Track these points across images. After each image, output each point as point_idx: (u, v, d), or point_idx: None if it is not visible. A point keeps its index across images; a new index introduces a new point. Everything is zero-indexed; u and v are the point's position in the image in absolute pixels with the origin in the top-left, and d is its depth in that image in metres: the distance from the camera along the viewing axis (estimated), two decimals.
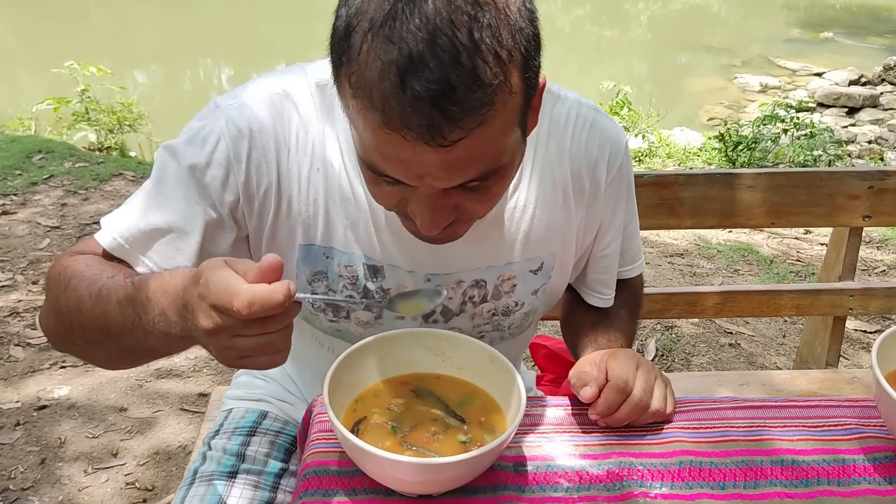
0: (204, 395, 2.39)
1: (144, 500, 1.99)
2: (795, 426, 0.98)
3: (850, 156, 7.43)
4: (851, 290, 1.71)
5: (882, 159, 7.48)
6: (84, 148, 5.33)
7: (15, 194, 3.91)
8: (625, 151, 1.10)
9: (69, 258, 0.95)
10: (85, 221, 3.64)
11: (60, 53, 6.98)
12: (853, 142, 8.02)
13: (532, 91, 0.81)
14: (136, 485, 2.04)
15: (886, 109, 8.94)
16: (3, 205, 3.78)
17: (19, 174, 4.21)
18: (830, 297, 1.72)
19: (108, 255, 0.96)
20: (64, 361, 2.55)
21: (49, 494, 1.99)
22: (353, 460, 0.85)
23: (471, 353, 0.96)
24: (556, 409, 1.01)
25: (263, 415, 1.25)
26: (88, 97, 6.00)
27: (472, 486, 0.87)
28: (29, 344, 2.65)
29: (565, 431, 0.98)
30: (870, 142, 8.08)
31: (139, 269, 0.95)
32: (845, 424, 0.99)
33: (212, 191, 0.95)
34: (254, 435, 1.21)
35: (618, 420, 0.95)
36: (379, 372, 0.96)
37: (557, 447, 0.95)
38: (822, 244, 3.95)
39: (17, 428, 2.22)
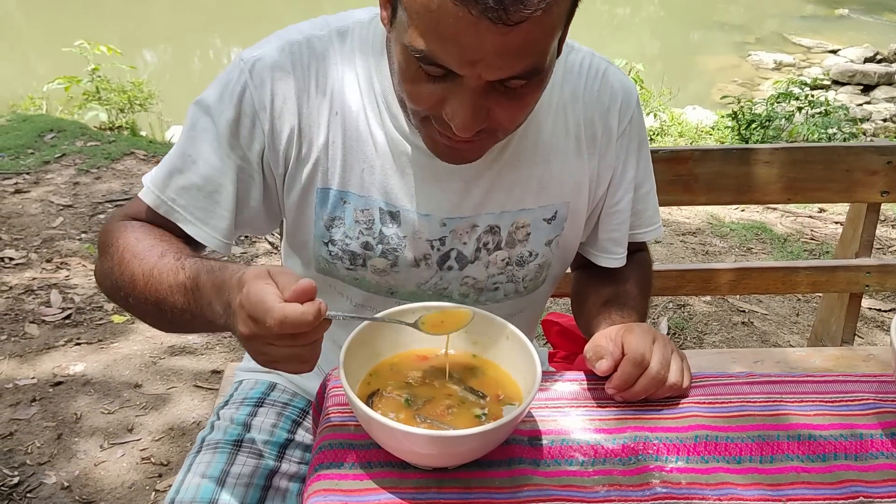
0: (217, 372, 2.40)
1: (160, 475, 2.01)
2: (812, 401, 0.98)
3: (864, 134, 7.35)
4: (868, 267, 1.69)
5: None
6: (95, 127, 5.33)
7: (28, 173, 3.92)
8: (636, 105, 1.11)
9: (121, 225, 1.03)
10: (97, 200, 3.65)
11: (70, 33, 6.97)
12: (868, 119, 7.93)
13: (573, 9, 0.86)
14: (152, 460, 2.06)
15: None
16: (16, 183, 3.79)
17: (31, 153, 4.22)
18: (847, 274, 1.70)
19: (152, 214, 1.04)
20: (79, 339, 2.57)
21: (65, 469, 2.02)
22: (367, 433, 0.86)
23: (487, 327, 0.96)
24: (571, 384, 1.01)
25: (272, 386, 1.26)
26: (99, 76, 6.00)
27: (488, 460, 0.87)
28: (44, 321, 2.67)
29: (580, 406, 0.97)
30: (885, 120, 8.00)
31: (182, 225, 1.02)
32: (862, 400, 0.98)
33: (242, 141, 1.01)
34: (261, 406, 1.22)
35: (635, 394, 0.95)
36: (393, 346, 0.96)
37: (572, 421, 0.95)
38: (836, 222, 3.92)
39: (33, 404, 2.24)
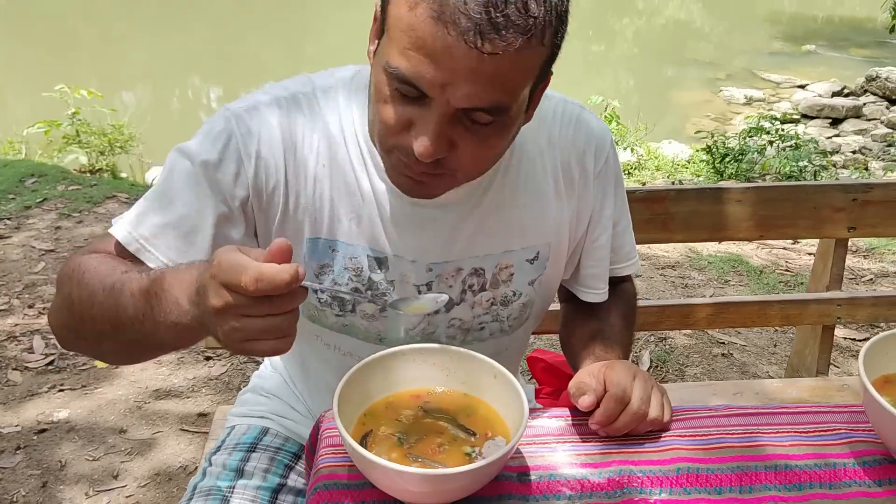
0: (203, 415, 2.40)
1: None
2: (787, 432, 1.02)
3: (834, 166, 7.50)
4: (839, 300, 1.75)
5: (867, 169, 7.56)
6: (75, 170, 5.34)
7: (9, 218, 3.92)
8: (611, 146, 1.16)
9: (83, 256, 0.98)
10: (80, 244, 3.65)
11: (50, 77, 7.00)
12: (838, 152, 8.11)
13: (551, 61, 0.89)
14: None
15: (869, 119, 9.06)
16: None
17: (12, 198, 4.22)
18: (818, 307, 1.76)
19: (120, 252, 1.00)
20: (62, 385, 2.56)
21: None
22: (362, 472, 0.88)
23: (475, 367, 0.99)
24: (557, 420, 1.04)
25: (265, 431, 1.28)
26: (79, 120, 6.02)
27: (478, 496, 0.90)
28: (27, 368, 2.66)
29: (566, 441, 1.01)
30: (854, 152, 8.17)
31: (152, 264, 0.98)
32: (835, 430, 1.02)
33: (223, 186, 1.00)
34: (254, 451, 1.24)
35: (617, 429, 0.98)
36: (385, 387, 0.99)
37: (559, 456, 0.98)
38: (809, 254, 4.01)
39: (17, 452, 2.22)
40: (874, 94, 9.53)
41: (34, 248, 3.60)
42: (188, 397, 2.52)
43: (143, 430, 2.34)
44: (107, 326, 0.90)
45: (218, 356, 2.80)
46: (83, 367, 2.68)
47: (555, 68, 0.95)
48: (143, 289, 0.84)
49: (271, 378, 1.36)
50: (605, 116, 6.15)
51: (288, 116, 1.03)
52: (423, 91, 0.85)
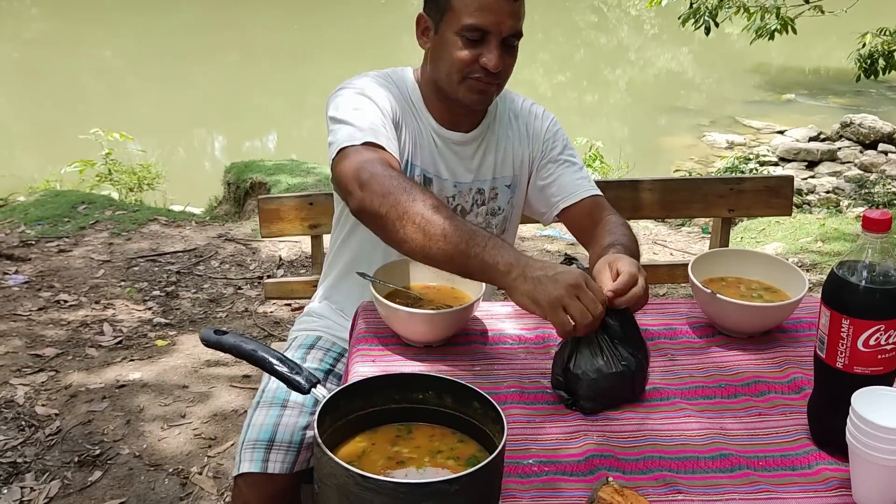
0: (248, 377, 2.99)
1: (210, 445, 2.58)
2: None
3: (808, 204, 8.07)
4: None
5: (837, 206, 8.13)
6: None
7: (67, 237, 4.55)
8: (554, 120, 1.85)
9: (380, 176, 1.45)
10: (131, 256, 4.27)
11: (63, 123, 7.57)
12: (812, 192, 8.71)
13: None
14: (203, 435, 2.63)
15: (843, 163, 9.65)
16: (59, 244, 4.41)
17: (68, 221, 4.85)
18: None
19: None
20: (132, 357, 3.16)
21: (135, 444, 2.59)
22: (385, 321, 1.49)
23: (457, 278, 1.59)
24: (508, 310, 1.64)
25: (318, 338, 1.86)
26: (112, 160, 6.70)
27: (457, 342, 1.50)
28: (101, 346, 3.26)
29: (511, 318, 1.61)
30: (828, 192, 8.76)
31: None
32: (678, 311, 1.62)
33: (387, 103, 1.62)
34: (311, 349, 1.82)
35: (626, 300, 1.34)
36: (402, 280, 1.59)
37: (507, 325, 1.58)
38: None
39: (103, 400, 2.81)
40: (848, 139, 10.12)
41: (93, 258, 4.22)
42: (233, 365, 3.11)
43: (201, 386, 2.93)
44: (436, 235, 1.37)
45: (255, 339, 3.40)
46: (146, 346, 3.28)
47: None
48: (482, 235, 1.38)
49: (320, 306, 1.95)
50: (590, 155, 6.81)
51: (386, 81, 1.67)
52: (487, 30, 1.54)
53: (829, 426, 1.20)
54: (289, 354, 1.77)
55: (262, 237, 2.08)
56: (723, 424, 1.32)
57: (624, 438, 1.28)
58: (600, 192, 1.82)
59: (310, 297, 2.05)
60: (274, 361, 1.15)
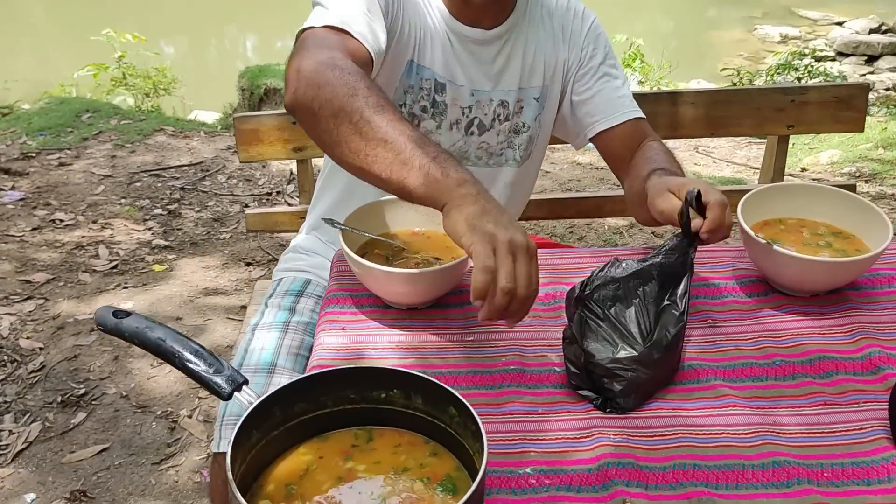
0: (244, 307, 2.76)
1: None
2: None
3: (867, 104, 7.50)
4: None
5: None
6: None
7: (69, 148, 4.32)
8: (596, 21, 1.53)
9: (338, 68, 1.12)
10: (133, 171, 4.03)
11: (88, 25, 7.32)
12: (872, 89, 8.11)
13: None
14: None
15: None
16: (60, 157, 4.18)
17: (71, 131, 4.61)
18: None
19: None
20: (126, 284, 2.96)
21: (123, 382, 2.40)
22: (360, 279, 1.21)
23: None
24: None
25: (308, 282, 1.59)
26: (125, 63, 6.37)
27: (446, 302, 1.22)
28: (95, 270, 3.06)
29: None
30: (888, 89, 8.15)
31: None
32: (724, 261, 1.32)
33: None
34: (301, 296, 1.56)
35: (722, 233, 1.12)
36: (391, 224, 1.31)
37: None
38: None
39: (91, 333, 2.62)
40: None
41: (94, 173, 3.99)
42: (232, 294, 2.89)
43: (196, 319, 2.73)
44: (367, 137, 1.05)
45: (257, 262, 3.17)
46: (143, 271, 3.07)
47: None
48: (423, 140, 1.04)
49: (308, 239, 1.68)
50: (630, 54, 6.30)
51: None
52: None
53: None
54: (275, 302, 1.53)
55: (242, 161, 1.76)
56: (776, 418, 1.04)
57: (648, 438, 1.01)
58: (643, 115, 1.52)
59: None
60: (187, 356, 0.91)
